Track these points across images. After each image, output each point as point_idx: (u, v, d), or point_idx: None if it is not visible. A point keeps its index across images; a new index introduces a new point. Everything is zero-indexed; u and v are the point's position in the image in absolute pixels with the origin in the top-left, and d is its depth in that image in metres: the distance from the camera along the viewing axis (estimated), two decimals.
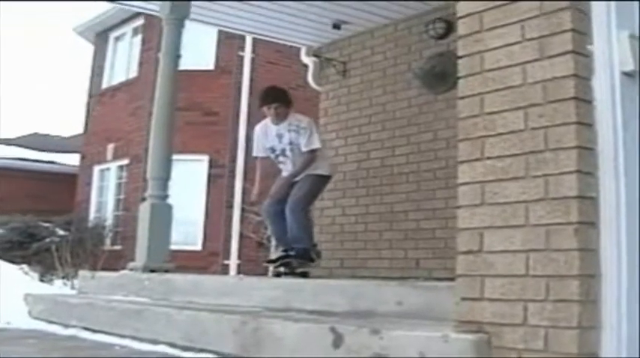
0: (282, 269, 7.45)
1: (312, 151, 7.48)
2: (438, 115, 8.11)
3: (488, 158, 3.32)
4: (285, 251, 7.52)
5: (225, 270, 16.00)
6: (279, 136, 7.59)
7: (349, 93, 9.36)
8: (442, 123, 7.99)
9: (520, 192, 3.18)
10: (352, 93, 9.31)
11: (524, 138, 3.21)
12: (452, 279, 3.55)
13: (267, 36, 10.06)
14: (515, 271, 3.13)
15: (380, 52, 9.06)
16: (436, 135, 8.07)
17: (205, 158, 17.71)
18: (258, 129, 7.87)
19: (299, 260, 7.41)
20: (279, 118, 7.56)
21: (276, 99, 7.61)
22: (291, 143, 7.53)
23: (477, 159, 3.37)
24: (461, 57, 3.54)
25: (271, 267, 7.77)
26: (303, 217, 7.46)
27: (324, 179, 7.72)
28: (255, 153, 7.95)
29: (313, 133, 7.49)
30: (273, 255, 7.92)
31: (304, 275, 7.38)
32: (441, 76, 8.05)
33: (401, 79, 8.71)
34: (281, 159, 7.66)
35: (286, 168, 7.67)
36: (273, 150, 7.67)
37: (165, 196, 8.12)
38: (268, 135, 7.70)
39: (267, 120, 7.70)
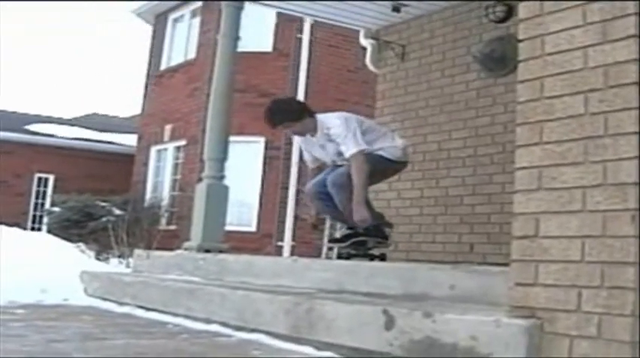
0: (352, 251, 6.71)
1: (357, 155, 6.46)
2: (496, 99, 8.05)
3: (547, 142, 3.28)
4: (351, 228, 6.75)
5: (278, 252, 16.08)
6: (322, 147, 6.81)
7: (407, 77, 9.32)
8: (500, 108, 7.93)
9: (578, 177, 3.14)
10: (410, 77, 9.27)
11: (583, 123, 3.17)
12: (506, 264, 3.53)
13: (326, 18, 10.03)
14: (571, 257, 3.10)
15: (439, 35, 9.01)
16: (494, 119, 8.01)
17: (261, 140, 17.78)
18: (299, 140, 7.22)
19: (373, 238, 6.69)
20: (304, 132, 6.83)
21: (279, 120, 6.81)
22: (338, 154, 6.67)
23: (535, 144, 3.33)
24: (521, 40, 3.50)
25: (335, 248, 7.16)
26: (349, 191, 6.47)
27: (384, 161, 6.71)
28: (310, 165, 7.25)
29: (348, 135, 6.49)
30: (338, 233, 7.31)
31: (381, 258, 6.78)
32: (501, 59, 7.99)
33: (459, 62, 8.65)
34: (339, 163, 6.78)
35: None
36: (326, 160, 6.96)
37: (222, 177, 8.17)
38: (311, 145, 6.98)
39: None
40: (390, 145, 6.82)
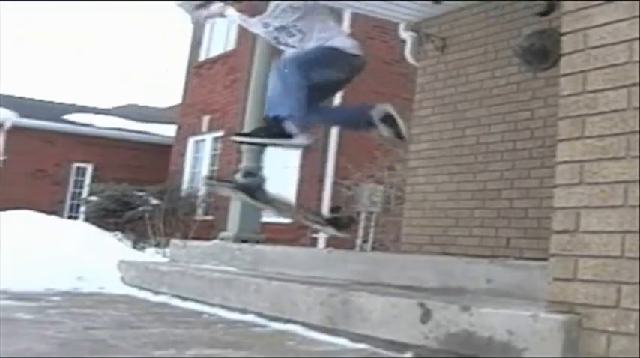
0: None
1: None
2: (535, 94, 7.97)
3: (588, 137, 3.25)
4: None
5: (313, 243, 16.07)
6: (265, 26, 5.84)
7: (446, 69, 9.26)
8: (540, 102, 7.85)
9: (619, 172, 3.11)
10: (449, 70, 9.21)
11: (626, 118, 3.13)
12: (543, 259, 3.50)
13: (366, 10, 9.99)
14: (611, 252, 3.07)
15: (480, 28, 8.93)
16: (533, 113, 7.93)
17: None
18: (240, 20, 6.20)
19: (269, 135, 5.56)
20: (253, 12, 5.97)
21: None
22: (283, 27, 5.71)
23: (576, 138, 3.30)
24: (564, 34, 3.47)
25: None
26: (293, 77, 5.37)
27: (336, 53, 5.60)
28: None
29: None
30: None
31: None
32: (541, 53, 7.91)
33: (500, 56, 8.57)
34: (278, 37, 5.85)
35: None
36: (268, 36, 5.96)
37: (259, 168, 8.17)
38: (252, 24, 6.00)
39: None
40: (341, 32, 5.95)
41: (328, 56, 5.59)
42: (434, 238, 8.61)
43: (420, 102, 9.42)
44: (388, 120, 5.72)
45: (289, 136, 5.45)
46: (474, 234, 8.36)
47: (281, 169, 15.86)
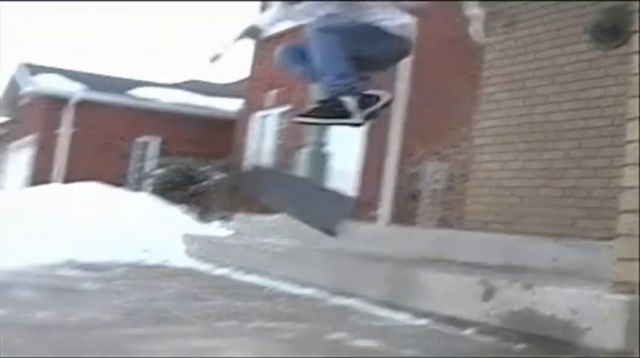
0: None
1: None
2: (607, 71, 7.81)
3: None
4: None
5: (377, 220, 16.03)
6: (311, 14, 5.41)
7: (516, 46, 9.12)
8: (611, 80, 7.69)
9: None
10: (519, 46, 9.06)
11: None
12: (609, 239, 3.46)
13: None
14: None
15: (550, 4, 8.78)
16: (604, 91, 7.79)
17: None
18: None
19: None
20: None
21: None
22: (331, 15, 5.25)
23: None
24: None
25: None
26: (329, 41, 5.07)
27: (377, 31, 5.22)
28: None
29: None
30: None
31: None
32: (612, 30, 7.76)
33: (570, 32, 8.42)
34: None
35: None
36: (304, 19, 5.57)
37: (323, 144, 8.18)
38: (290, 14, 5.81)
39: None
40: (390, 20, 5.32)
41: (366, 31, 5.23)
42: (498, 216, 8.53)
43: (487, 79, 9.30)
44: (369, 100, 5.33)
45: (349, 115, 5.19)
46: (538, 212, 8.27)
47: (345, 145, 15.83)
